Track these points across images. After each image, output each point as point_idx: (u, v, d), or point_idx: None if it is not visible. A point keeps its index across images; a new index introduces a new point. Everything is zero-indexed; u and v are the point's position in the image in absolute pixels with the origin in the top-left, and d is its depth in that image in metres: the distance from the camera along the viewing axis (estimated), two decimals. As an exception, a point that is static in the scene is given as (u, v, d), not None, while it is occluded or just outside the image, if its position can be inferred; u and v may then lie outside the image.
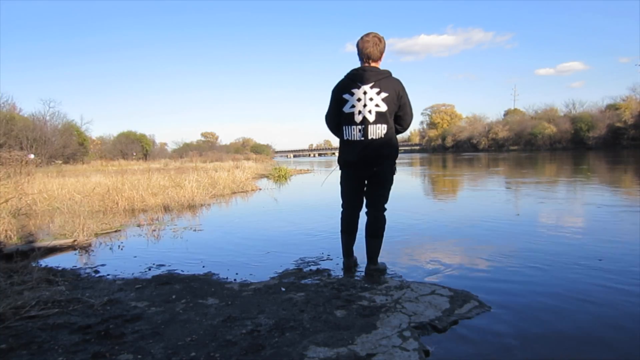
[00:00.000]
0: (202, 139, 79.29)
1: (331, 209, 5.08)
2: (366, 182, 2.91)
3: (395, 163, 2.91)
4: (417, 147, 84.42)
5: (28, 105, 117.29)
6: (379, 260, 3.03)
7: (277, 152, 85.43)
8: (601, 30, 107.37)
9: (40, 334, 2.03)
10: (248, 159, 33.37)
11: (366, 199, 2.95)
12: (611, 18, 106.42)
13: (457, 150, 64.45)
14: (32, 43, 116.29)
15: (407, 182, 11.95)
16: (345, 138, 2.82)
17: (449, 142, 69.18)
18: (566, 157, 26.23)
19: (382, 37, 2.81)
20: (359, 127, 2.74)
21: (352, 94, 2.75)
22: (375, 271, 2.94)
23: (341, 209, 3.05)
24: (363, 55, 2.79)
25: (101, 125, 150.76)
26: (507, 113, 69.79)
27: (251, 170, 16.59)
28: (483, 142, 62.02)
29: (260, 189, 10.64)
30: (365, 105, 2.72)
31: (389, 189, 2.92)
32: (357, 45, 2.81)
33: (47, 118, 40.41)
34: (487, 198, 7.54)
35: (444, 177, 14.02)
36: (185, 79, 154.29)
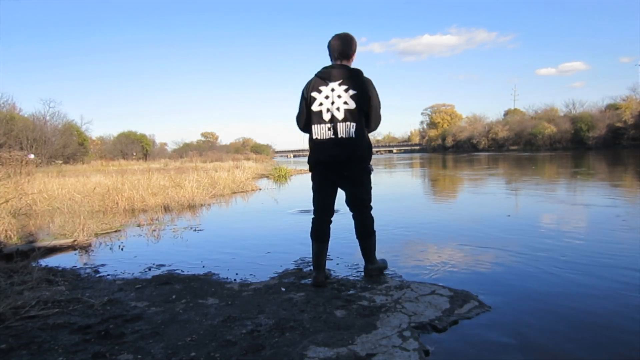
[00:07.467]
0: (202, 139, 79.27)
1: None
2: (344, 189, 2.81)
3: (368, 164, 2.78)
4: (417, 147, 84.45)
5: (28, 105, 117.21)
6: (380, 256, 3.01)
7: (277, 152, 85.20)
8: (602, 30, 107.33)
9: (40, 334, 2.03)
10: (248, 159, 33.36)
11: (347, 204, 2.87)
12: (612, 18, 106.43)
13: (457, 150, 64.45)
14: (32, 43, 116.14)
15: (407, 182, 11.94)
16: (314, 137, 2.71)
17: (449, 142, 69.13)
18: (566, 157, 26.22)
19: (354, 37, 2.77)
20: (328, 125, 2.65)
21: (320, 92, 2.67)
22: (375, 270, 2.93)
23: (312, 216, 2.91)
24: (335, 52, 2.72)
25: (101, 125, 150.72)
26: (507, 113, 69.74)
27: (251, 170, 16.58)
28: (483, 142, 61.99)
29: (260, 189, 10.64)
30: (333, 103, 2.63)
31: (368, 190, 2.83)
32: (329, 44, 2.75)
33: (47, 118, 40.46)
34: (487, 198, 7.55)
35: (444, 177, 14.02)
36: (185, 79, 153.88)
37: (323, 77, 2.70)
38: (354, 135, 2.62)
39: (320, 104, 2.67)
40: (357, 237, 2.91)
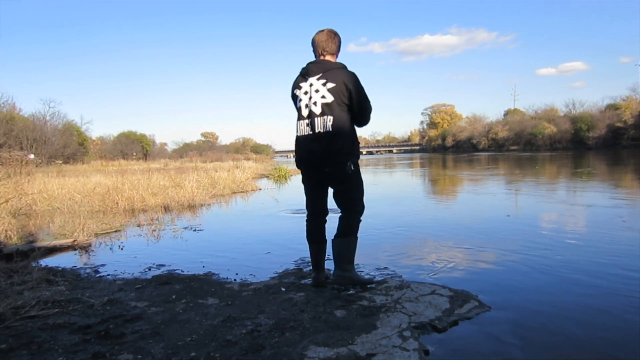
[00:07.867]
0: (202, 139, 79.26)
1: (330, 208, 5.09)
2: (331, 187, 2.71)
3: (351, 160, 2.58)
4: (417, 147, 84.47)
5: (28, 105, 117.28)
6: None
7: (277, 152, 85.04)
8: (602, 30, 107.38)
9: (40, 334, 2.03)
10: (248, 159, 33.40)
11: (335, 203, 2.76)
12: (612, 18, 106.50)
13: (457, 150, 64.43)
14: (32, 43, 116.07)
15: (407, 182, 11.95)
16: (296, 134, 2.66)
17: (449, 142, 69.15)
18: (567, 157, 26.21)
19: (338, 33, 2.72)
20: (307, 121, 2.57)
21: (300, 88, 2.63)
22: (345, 279, 2.65)
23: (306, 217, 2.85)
24: (318, 48, 2.67)
25: (101, 125, 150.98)
26: (507, 113, 69.74)
27: (251, 170, 16.59)
28: (483, 142, 61.99)
29: (260, 189, 10.64)
30: (310, 98, 2.56)
31: (355, 188, 2.66)
32: (312, 41, 2.70)
33: (47, 118, 40.48)
34: (487, 199, 7.54)
35: (444, 177, 14.02)
36: (186, 79, 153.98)
37: (303, 73, 2.67)
38: (330, 129, 2.51)
39: (300, 100, 2.63)
40: (334, 236, 2.70)
